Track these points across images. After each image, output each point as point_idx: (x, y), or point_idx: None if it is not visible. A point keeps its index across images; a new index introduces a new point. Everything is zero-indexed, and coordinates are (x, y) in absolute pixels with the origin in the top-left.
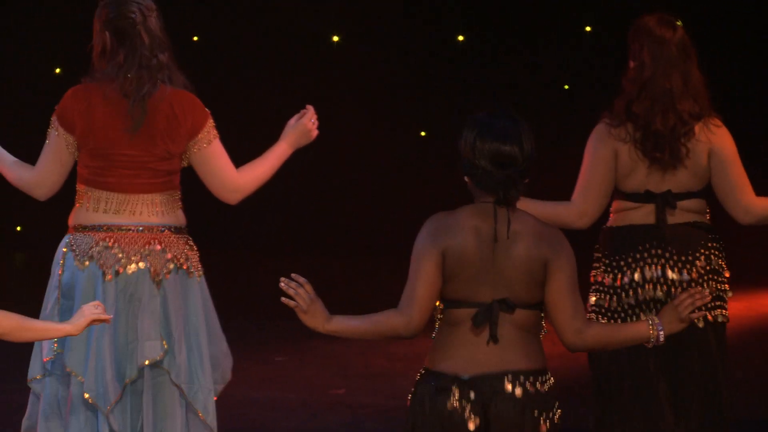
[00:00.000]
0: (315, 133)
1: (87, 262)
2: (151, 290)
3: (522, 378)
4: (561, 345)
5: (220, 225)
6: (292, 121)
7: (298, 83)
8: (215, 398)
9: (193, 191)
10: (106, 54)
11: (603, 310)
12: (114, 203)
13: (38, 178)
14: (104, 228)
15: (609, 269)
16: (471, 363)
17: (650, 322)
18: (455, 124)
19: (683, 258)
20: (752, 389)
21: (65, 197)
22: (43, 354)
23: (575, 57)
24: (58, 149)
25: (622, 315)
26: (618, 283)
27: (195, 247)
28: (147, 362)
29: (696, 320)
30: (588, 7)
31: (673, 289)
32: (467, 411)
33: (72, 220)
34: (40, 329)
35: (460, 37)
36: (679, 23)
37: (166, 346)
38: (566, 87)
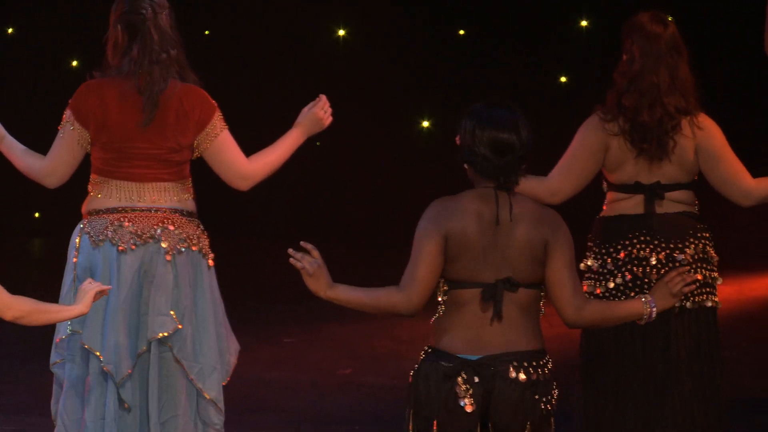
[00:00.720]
0: (328, 121)
1: (101, 242)
2: (164, 266)
3: (524, 361)
4: (558, 327)
5: (231, 212)
6: (305, 110)
7: (305, 77)
8: (224, 383)
9: (205, 180)
10: (118, 48)
11: (593, 297)
12: (127, 191)
13: (50, 168)
14: (118, 210)
15: (598, 256)
16: (475, 343)
17: (643, 300)
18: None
19: (671, 245)
20: (741, 370)
21: (83, 184)
22: (57, 335)
23: (574, 53)
24: (71, 142)
25: (611, 300)
26: (607, 268)
27: (206, 233)
28: (159, 335)
29: (684, 302)
30: (586, 4)
31: (655, 272)
32: (470, 390)
33: (86, 207)
34: (54, 311)
35: (461, 32)
36: (670, 20)
37: (177, 323)
38: (563, 80)
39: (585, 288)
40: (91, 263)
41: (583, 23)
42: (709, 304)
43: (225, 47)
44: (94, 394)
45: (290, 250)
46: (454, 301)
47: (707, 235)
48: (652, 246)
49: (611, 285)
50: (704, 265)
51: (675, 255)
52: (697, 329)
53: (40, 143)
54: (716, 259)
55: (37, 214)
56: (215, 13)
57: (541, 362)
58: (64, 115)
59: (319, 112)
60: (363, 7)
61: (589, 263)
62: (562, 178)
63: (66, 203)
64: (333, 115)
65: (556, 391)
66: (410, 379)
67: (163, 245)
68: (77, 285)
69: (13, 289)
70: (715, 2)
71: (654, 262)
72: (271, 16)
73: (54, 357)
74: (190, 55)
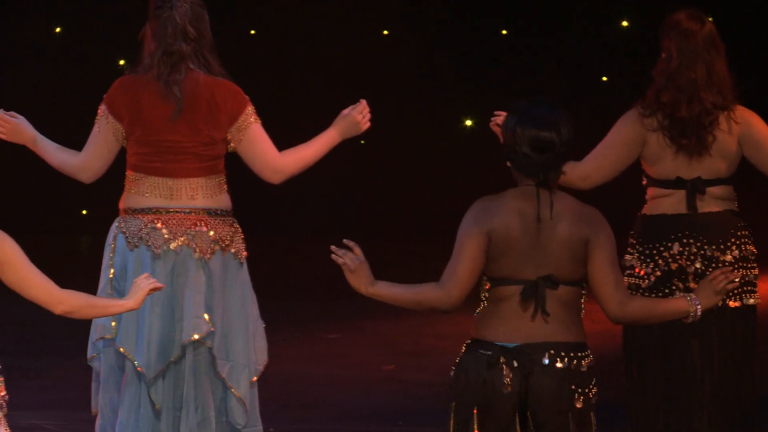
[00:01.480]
0: (365, 126)
1: (137, 244)
2: (196, 268)
3: (563, 351)
4: (600, 324)
5: (270, 210)
6: (345, 112)
7: (349, 76)
8: (254, 378)
9: (243, 178)
10: (146, 44)
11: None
12: (161, 188)
13: (85, 163)
14: (152, 210)
15: (642, 257)
16: (515, 334)
17: (688, 298)
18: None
19: (713, 247)
20: None
21: None
22: (97, 333)
23: (615, 53)
24: (106, 136)
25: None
26: (650, 271)
27: (240, 231)
28: (195, 337)
29: (726, 300)
30: (627, 5)
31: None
32: (509, 375)
33: (122, 204)
34: (103, 306)
35: (504, 32)
36: (709, 19)
37: (211, 325)
38: (604, 79)
39: (626, 285)
40: (126, 264)
41: (624, 23)
42: (751, 301)
43: (270, 47)
44: (128, 395)
45: (332, 247)
46: (496, 297)
47: (747, 233)
48: (695, 249)
49: (652, 287)
50: (745, 264)
51: (717, 256)
52: (736, 327)
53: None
54: (755, 254)
55: (84, 212)
56: (261, 14)
57: (580, 354)
58: (98, 111)
59: (357, 116)
60: (407, 8)
61: (631, 262)
62: (595, 165)
63: (113, 201)
64: (377, 113)
65: (596, 386)
66: (452, 373)
67: (196, 248)
68: (114, 285)
69: (62, 286)
70: (753, 2)
71: (698, 265)
72: (318, 16)
73: (91, 351)
74: (236, 54)
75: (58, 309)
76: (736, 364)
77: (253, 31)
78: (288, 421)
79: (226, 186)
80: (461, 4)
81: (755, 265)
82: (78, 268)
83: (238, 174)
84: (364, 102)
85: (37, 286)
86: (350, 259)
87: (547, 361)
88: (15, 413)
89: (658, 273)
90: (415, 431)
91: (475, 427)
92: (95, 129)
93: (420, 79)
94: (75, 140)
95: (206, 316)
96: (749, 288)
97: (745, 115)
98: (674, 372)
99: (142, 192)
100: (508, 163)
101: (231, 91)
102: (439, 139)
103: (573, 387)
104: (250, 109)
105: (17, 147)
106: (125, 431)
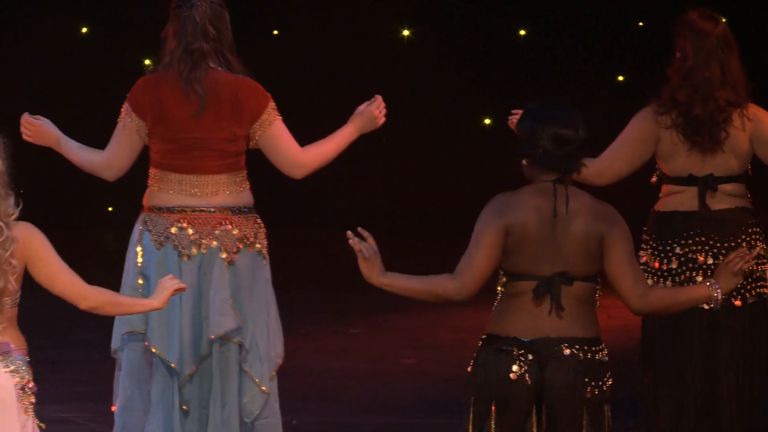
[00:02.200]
0: (381, 120)
1: (163, 243)
2: (222, 267)
3: (577, 345)
4: (616, 319)
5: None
6: (361, 108)
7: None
8: (274, 371)
9: (264, 171)
10: (165, 42)
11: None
12: (185, 185)
13: (109, 161)
14: (177, 209)
15: (656, 253)
16: (531, 328)
17: (708, 284)
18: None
19: (725, 245)
20: None
21: None
22: (123, 328)
23: (631, 53)
24: (129, 134)
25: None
26: (665, 267)
27: (263, 226)
28: (220, 333)
29: (744, 292)
30: (643, 6)
31: (710, 272)
32: (524, 367)
33: (146, 201)
34: (128, 304)
35: (522, 32)
36: (723, 20)
37: (239, 319)
38: (620, 79)
39: None
40: (151, 262)
41: (640, 24)
42: (765, 296)
43: (292, 47)
44: (158, 393)
45: (349, 233)
46: (512, 291)
47: (758, 230)
48: (708, 246)
49: (668, 284)
50: (758, 260)
51: (727, 253)
52: (750, 322)
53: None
54: (765, 249)
55: (110, 208)
56: (283, 14)
57: (594, 348)
58: (122, 109)
59: (374, 111)
60: (427, 9)
61: (645, 259)
62: (610, 162)
63: (139, 198)
64: (397, 111)
65: (610, 380)
66: (470, 368)
67: (222, 248)
68: (143, 284)
69: (87, 282)
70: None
71: (710, 262)
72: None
73: (115, 343)
74: (258, 54)
75: (84, 304)
76: (759, 358)
77: (276, 31)
78: (310, 413)
79: (248, 182)
80: (481, 5)
81: (766, 260)
82: (103, 265)
83: (259, 168)
84: (379, 98)
85: (65, 281)
86: (365, 247)
87: (562, 355)
88: (42, 406)
89: (673, 265)
90: (434, 423)
91: (493, 420)
92: (118, 127)
93: (439, 77)
94: (100, 140)
95: (234, 312)
96: (761, 283)
97: (758, 113)
98: (692, 367)
99: (167, 189)
100: (524, 161)
101: (253, 88)
102: (458, 137)
103: (587, 380)
104: (272, 105)
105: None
106: (154, 429)
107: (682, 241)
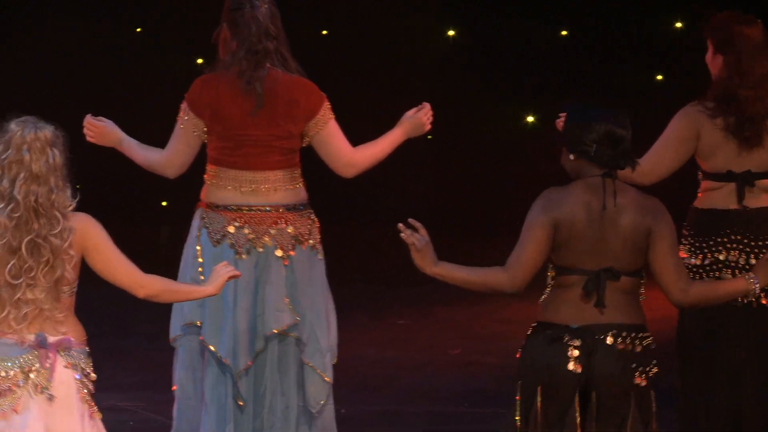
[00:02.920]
0: (428, 127)
1: (220, 241)
2: (277, 264)
3: (624, 332)
4: (656, 311)
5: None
6: (410, 113)
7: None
8: (335, 361)
9: (318, 169)
10: (224, 44)
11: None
12: (242, 181)
13: (169, 160)
14: (234, 208)
15: (693, 249)
16: (579, 316)
17: (747, 277)
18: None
19: (759, 243)
20: None
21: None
22: (184, 318)
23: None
24: (187, 133)
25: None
26: (701, 264)
27: (317, 222)
28: (275, 330)
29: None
30: (681, 6)
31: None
32: (573, 358)
33: (204, 196)
34: (185, 291)
35: (564, 32)
36: (758, 21)
37: (296, 316)
38: (659, 78)
39: None
40: (208, 259)
41: (678, 24)
42: None
43: (340, 46)
44: (212, 387)
45: (400, 225)
46: (560, 284)
47: None
48: (743, 245)
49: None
50: None
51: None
52: None
53: (167, 141)
54: None
55: (164, 203)
56: (332, 14)
57: (640, 335)
58: (180, 109)
59: (422, 118)
60: (470, 9)
61: (682, 255)
62: (655, 161)
63: (192, 192)
64: (443, 110)
65: (656, 367)
66: (518, 354)
67: (277, 246)
68: (197, 277)
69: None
70: None
71: (745, 261)
72: (387, 18)
73: (173, 332)
74: (307, 54)
75: (141, 293)
76: None
77: (325, 32)
78: (359, 402)
79: (302, 179)
80: (523, 5)
81: None
82: (157, 258)
83: (312, 164)
84: (427, 105)
85: (122, 270)
86: (417, 238)
87: (609, 341)
88: (97, 394)
89: (707, 262)
90: (479, 412)
91: (539, 405)
92: (178, 126)
93: (484, 77)
94: (158, 138)
95: (291, 307)
96: None
97: None
98: (719, 356)
99: (224, 185)
100: (572, 156)
101: (308, 88)
102: (502, 135)
103: (634, 366)
104: (326, 105)
105: None
106: (210, 422)
107: (718, 239)
